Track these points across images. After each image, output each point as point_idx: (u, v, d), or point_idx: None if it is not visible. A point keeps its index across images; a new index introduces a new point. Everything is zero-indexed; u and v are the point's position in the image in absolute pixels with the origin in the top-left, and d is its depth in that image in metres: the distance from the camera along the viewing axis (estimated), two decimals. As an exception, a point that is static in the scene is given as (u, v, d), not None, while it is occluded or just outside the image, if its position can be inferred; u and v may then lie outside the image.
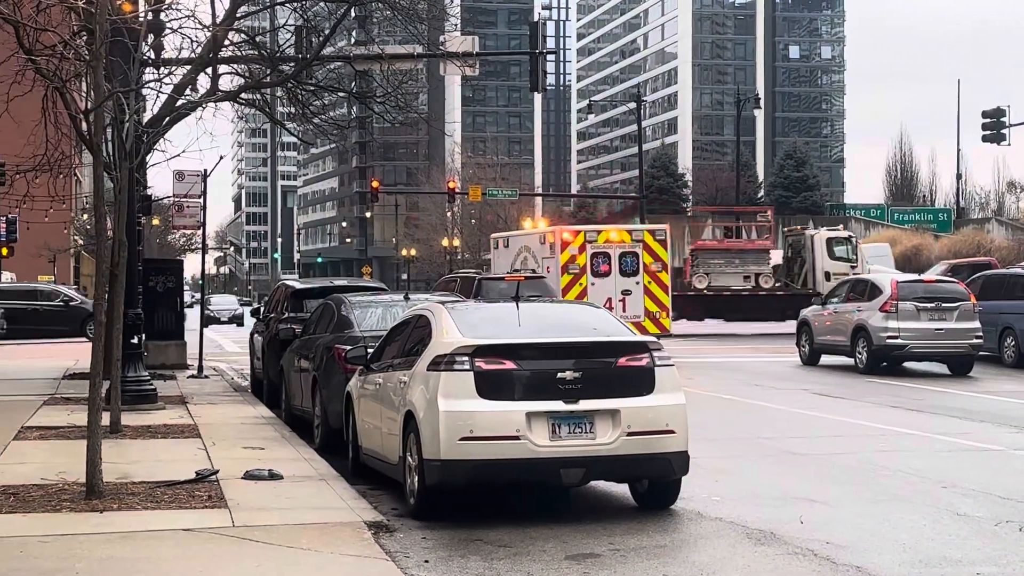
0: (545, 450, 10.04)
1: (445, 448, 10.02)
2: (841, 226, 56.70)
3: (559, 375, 10.17)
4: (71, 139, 22.15)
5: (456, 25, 38.44)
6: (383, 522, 10.00)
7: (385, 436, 11.56)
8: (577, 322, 11.39)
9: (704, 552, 9.41)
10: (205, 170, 27.48)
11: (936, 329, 25.11)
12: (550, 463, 10.09)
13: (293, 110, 27.76)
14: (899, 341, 25.06)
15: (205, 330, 28.85)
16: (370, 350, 12.83)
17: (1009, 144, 57.18)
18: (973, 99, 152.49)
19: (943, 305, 25.27)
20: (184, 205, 28.37)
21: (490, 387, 10.11)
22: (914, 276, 31.91)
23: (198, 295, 43.23)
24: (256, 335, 22.62)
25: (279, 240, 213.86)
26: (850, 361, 26.41)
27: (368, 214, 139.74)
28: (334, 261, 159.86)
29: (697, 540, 9.86)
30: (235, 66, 25.37)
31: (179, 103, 22.71)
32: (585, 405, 10.15)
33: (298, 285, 21.53)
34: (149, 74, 19.43)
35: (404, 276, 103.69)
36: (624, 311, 32.08)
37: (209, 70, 23.94)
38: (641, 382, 10.41)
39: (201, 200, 27.65)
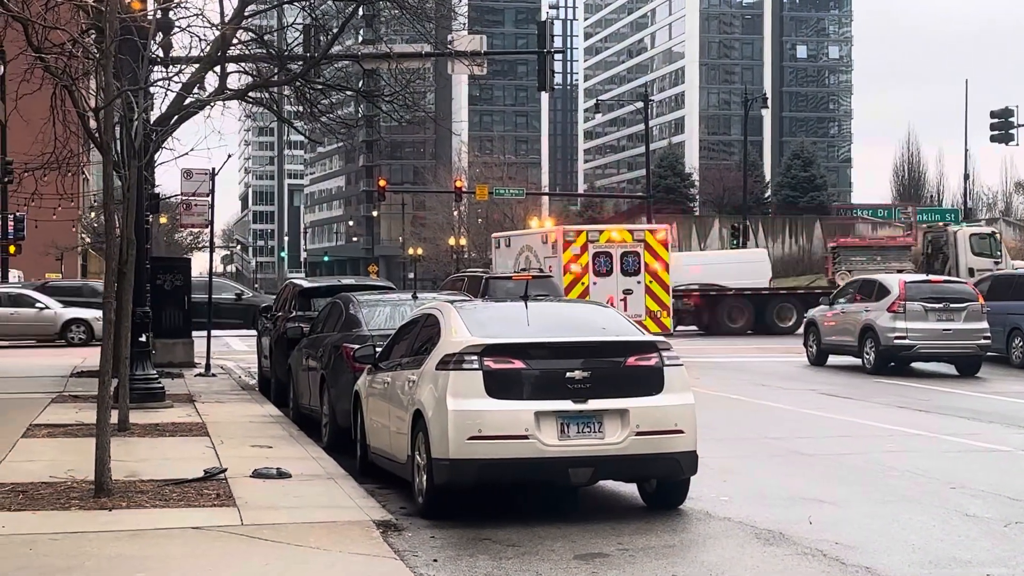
0: (554, 449, 10.04)
1: (454, 447, 10.02)
2: (983, 222, 55.92)
3: (568, 375, 10.17)
4: (79, 137, 22.20)
5: (463, 24, 38.44)
6: (391, 521, 10.00)
7: (393, 435, 11.56)
8: (586, 321, 11.39)
9: (713, 552, 9.40)
10: (213, 168, 27.53)
11: (944, 330, 25.07)
12: (559, 463, 10.09)
13: (301, 109, 27.77)
14: (907, 341, 25.02)
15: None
16: (378, 349, 12.83)
17: (1017, 144, 57.14)
18: (981, 99, 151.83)
19: (951, 305, 25.23)
20: (192, 203, 28.37)
21: (499, 386, 10.10)
22: (922, 276, 31.85)
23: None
24: (263, 334, 22.62)
25: (286, 239, 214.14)
26: (857, 361, 26.37)
27: (375, 213, 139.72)
28: (340, 260, 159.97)
29: (706, 540, 9.86)
30: (243, 65, 25.40)
31: (187, 102, 22.75)
32: (594, 405, 10.15)
33: (306, 284, 21.53)
34: (157, 72, 19.42)
35: (411, 275, 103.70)
36: (626, 310, 32.06)
37: (217, 69, 23.94)
38: (650, 382, 10.40)
39: (209, 198, 27.67)
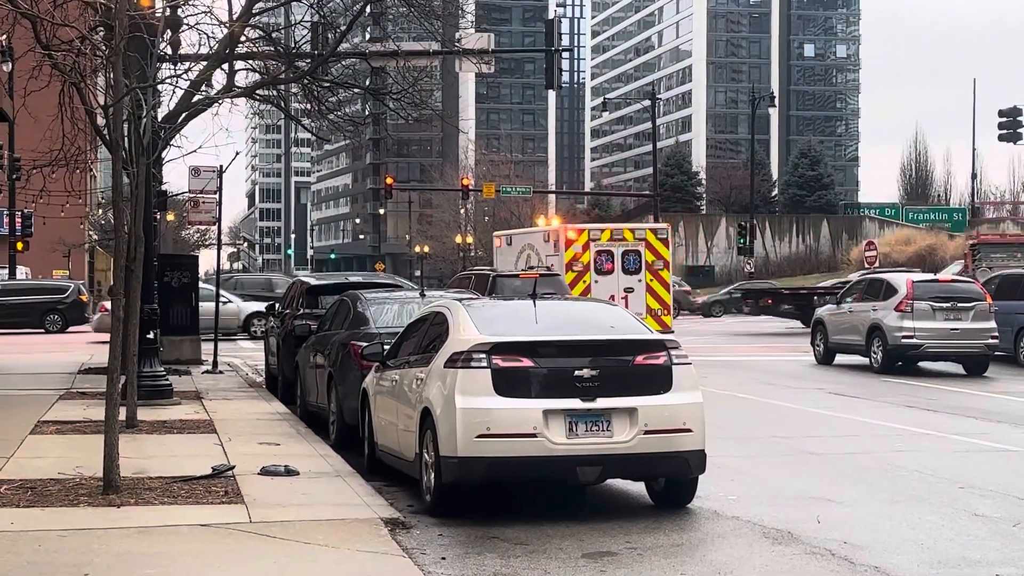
0: (562, 448, 10.03)
1: (462, 445, 10.02)
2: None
3: (576, 373, 10.16)
4: (87, 134, 22.21)
5: (471, 22, 38.37)
6: (399, 519, 10.00)
7: (401, 433, 11.55)
8: (594, 320, 11.38)
9: (721, 551, 9.39)
10: (221, 166, 27.49)
11: (951, 329, 25.02)
12: (567, 461, 10.09)
13: (308, 106, 27.76)
14: (914, 341, 24.98)
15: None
16: (386, 347, 12.83)
17: (1025, 143, 57.04)
18: (989, 98, 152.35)
19: (959, 305, 25.19)
20: (200, 201, 28.36)
21: (507, 385, 10.10)
22: (929, 276, 31.80)
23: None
24: (271, 332, 22.62)
25: (292, 236, 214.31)
26: (865, 360, 26.34)
27: (382, 211, 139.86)
28: (347, 257, 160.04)
29: (714, 539, 9.84)
30: (251, 62, 25.38)
31: (195, 99, 22.75)
32: (602, 403, 10.14)
33: (313, 281, 21.52)
34: (166, 70, 19.46)
35: (417, 273, 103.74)
36: (627, 308, 32.01)
37: (225, 66, 23.95)
38: (658, 380, 10.39)
39: (216, 196, 27.65)
